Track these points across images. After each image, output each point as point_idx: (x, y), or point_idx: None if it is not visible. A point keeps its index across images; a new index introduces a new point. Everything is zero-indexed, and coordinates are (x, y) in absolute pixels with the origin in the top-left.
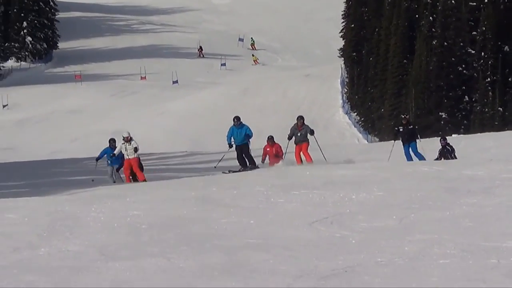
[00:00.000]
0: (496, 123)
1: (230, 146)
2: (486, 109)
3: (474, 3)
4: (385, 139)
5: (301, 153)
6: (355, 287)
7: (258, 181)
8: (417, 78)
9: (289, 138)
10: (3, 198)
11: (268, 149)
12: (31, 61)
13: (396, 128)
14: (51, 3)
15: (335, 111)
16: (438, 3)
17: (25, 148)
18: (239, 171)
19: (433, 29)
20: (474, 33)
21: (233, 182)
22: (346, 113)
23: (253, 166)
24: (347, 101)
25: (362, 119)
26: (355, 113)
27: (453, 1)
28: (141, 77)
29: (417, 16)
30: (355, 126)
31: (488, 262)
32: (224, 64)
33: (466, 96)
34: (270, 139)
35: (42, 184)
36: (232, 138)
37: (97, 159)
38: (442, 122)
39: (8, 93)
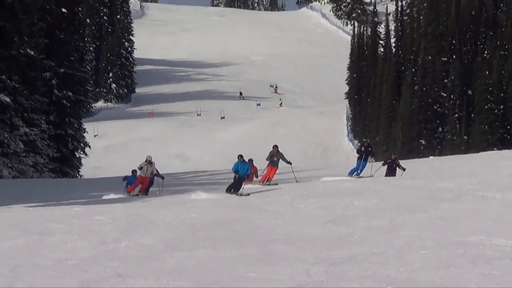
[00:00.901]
0: (462, 148)
1: (236, 173)
2: (455, 138)
3: (445, 59)
4: (379, 160)
5: (272, 173)
6: (357, 271)
7: (283, 192)
8: (403, 114)
9: (267, 159)
10: (94, 204)
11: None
12: (115, 102)
13: (358, 147)
14: (131, 59)
15: (341, 139)
16: (418, 59)
17: (110, 167)
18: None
19: (415, 78)
20: (446, 80)
21: (265, 192)
22: (350, 141)
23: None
24: (351, 131)
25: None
26: (357, 141)
27: (429, 57)
28: (197, 114)
29: (402, 68)
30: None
31: (457, 252)
32: (259, 104)
33: (439, 128)
34: (250, 161)
35: (122, 193)
36: (238, 169)
37: (123, 179)
38: (421, 147)
39: (98, 126)
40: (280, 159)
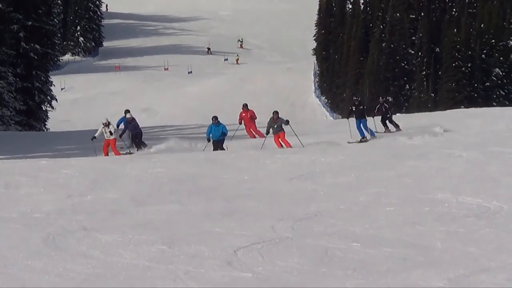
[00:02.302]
0: (429, 105)
1: (209, 140)
2: (422, 95)
3: (413, 16)
4: (346, 117)
5: (280, 140)
6: (323, 227)
7: (250, 148)
8: (370, 71)
9: (267, 132)
10: (60, 158)
11: (243, 114)
12: (83, 55)
13: (350, 108)
14: (98, 12)
15: (309, 95)
16: (386, 16)
17: (77, 120)
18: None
19: (383, 35)
20: (413, 38)
21: (232, 148)
22: (317, 97)
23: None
24: (318, 88)
25: (329, 101)
26: (324, 97)
27: (397, 14)
28: (164, 68)
29: (371, 25)
30: (323, 107)
31: (423, 209)
32: (226, 59)
33: (407, 85)
34: (245, 106)
35: (89, 148)
36: (211, 134)
37: (93, 138)
38: (380, 99)
39: (65, 79)
40: (282, 124)
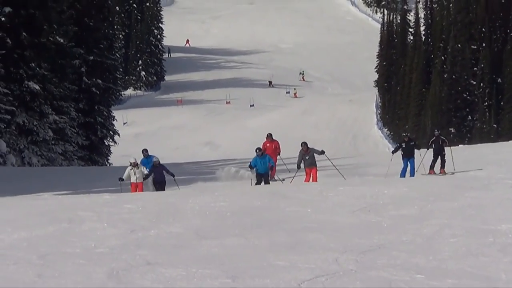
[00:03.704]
0: (492, 136)
1: (251, 168)
2: (484, 126)
3: (475, 46)
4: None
5: (311, 175)
6: (386, 259)
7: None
8: (432, 102)
9: (298, 165)
10: (123, 192)
11: (267, 144)
12: (145, 90)
13: (398, 144)
14: (160, 46)
15: (371, 127)
16: (448, 47)
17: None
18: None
19: (444, 66)
20: (475, 68)
21: (294, 180)
22: (379, 129)
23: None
24: (380, 119)
25: (392, 133)
26: (386, 129)
27: (459, 45)
28: (226, 101)
29: (432, 56)
30: (386, 139)
31: (486, 240)
32: (288, 92)
33: (469, 116)
34: (269, 136)
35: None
36: (256, 166)
37: (120, 178)
38: (451, 136)
39: (127, 114)
40: (315, 156)
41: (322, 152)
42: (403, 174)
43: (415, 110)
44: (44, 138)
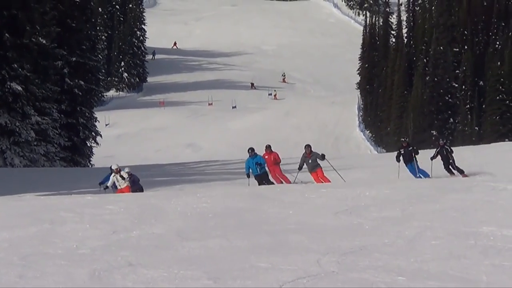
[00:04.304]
0: (474, 139)
1: (248, 176)
2: (466, 128)
3: (457, 49)
4: (390, 151)
5: (320, 178)
6: (368, 261)
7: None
8: (414, 105)
9: (300, 167)
10: (105, 194)
11: (266, 156)
12: (127, 91)
13: (398, 151)
14: (142, 48)
15: (353, 129)
16: (430, 49)
17: (122, 156)
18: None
19: (426, 68)
20: (457, 71)
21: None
22: (361, 131)
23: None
24: (362, 122)
25: (373, 135)
26: (368, 131)
27: (441, 48)
28: (208, 103)
29: (414, 58)
30: (368, 141)
31: (468, 243)
32: (270, 94)
33: (451, 119)
34: (268, 147)
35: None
36: (250, 169)
37: (101, 183)
38: (433, 138)
39: (109, 115)
40: (317, 159)
41: (323, 156)
42: (415, 175)
43: (397, 112)
44: (26, 139)
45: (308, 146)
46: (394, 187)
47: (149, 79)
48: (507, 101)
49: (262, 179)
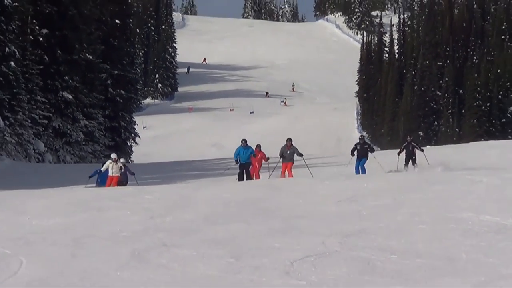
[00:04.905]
0: (454, 139)
1: (237, 162)
2: (448, 130)
3: (441, 63)
4: (384, 149)
5: (286, 170)
6: (366, 242)
7: (304, 175)
8: (404, 110)
9: (280, 155)
10: (144, 185)
11: (257, 154)
12: (161, 99)
13: (354, 145)
14: (173, 62)
15: (352, 131)
16: (418, 63)
17: (156, 153)
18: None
19: (414, 79)
20: (441, 82)
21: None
22: (360, 132)
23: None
24: (360, 124)
25: (370, 136)
26: (365, 132)
27: (427, 62)
28: (230, 109)
29: (404, 71)
30: None
31: (450, 226)
32: (282, 101)
33: (435, 122)
34: (258, 146)
35: (168, 177)
36: (238, 156)
37: (90, 176)
38: (420, 138)
39: (146, 119)
40: (295, 153)
41: (301, 155)
42: (357, 172)
43: (389, 117)
44: (76, 140)
45: (289, 140)
46: (388, 180)
47: (179, 89)
48: (483, 107)
49: (244, 168)
